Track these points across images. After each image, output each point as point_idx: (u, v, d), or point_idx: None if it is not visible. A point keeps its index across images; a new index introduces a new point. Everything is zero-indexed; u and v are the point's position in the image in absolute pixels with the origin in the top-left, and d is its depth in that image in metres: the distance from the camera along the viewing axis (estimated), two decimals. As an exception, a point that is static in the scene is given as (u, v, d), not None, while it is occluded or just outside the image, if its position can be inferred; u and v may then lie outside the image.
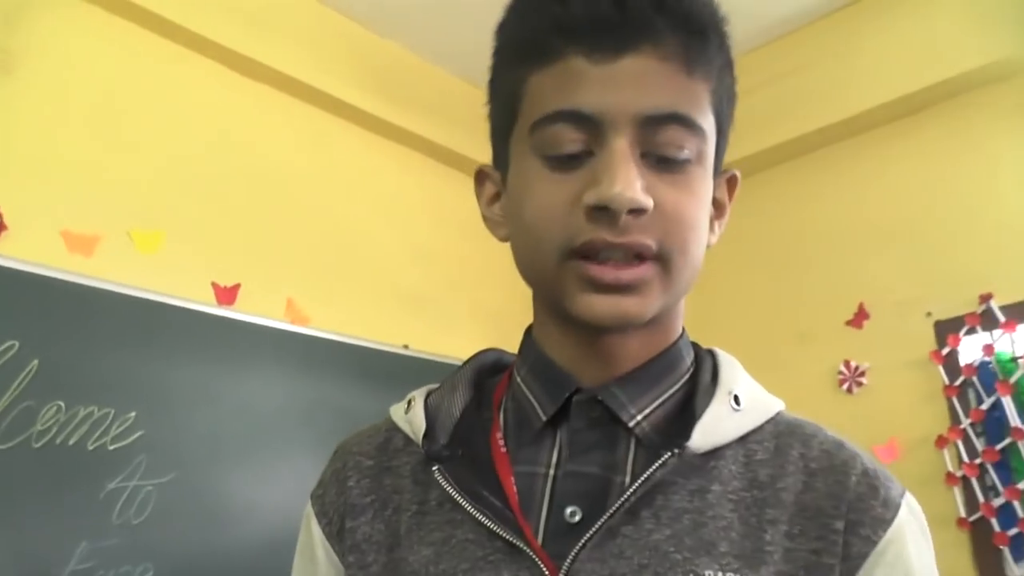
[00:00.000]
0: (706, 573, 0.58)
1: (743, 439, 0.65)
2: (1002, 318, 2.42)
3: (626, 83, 0.58)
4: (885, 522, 0.61)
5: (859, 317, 2.71)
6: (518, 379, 0.70)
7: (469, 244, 2.74)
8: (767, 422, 0.66)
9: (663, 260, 0.60)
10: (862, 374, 2.67)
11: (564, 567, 0.58)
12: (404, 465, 0.70)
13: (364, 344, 2.35)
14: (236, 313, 2.08)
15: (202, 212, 2.15)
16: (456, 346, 2.55)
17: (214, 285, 2.13)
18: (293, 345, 2.18)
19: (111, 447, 1.73)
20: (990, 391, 2.40)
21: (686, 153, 0.60)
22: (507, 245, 0.69)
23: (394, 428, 0.73)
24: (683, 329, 0.72)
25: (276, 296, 2.26)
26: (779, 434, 0.66)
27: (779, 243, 2.97)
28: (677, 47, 0.60)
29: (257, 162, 2.32)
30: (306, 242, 2.38)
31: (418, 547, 0.64)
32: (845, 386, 2.69)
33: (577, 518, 0.61)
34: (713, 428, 0.63)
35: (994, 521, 2.32)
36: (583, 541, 0.59)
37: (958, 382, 2.46)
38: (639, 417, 0.65)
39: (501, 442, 0.67)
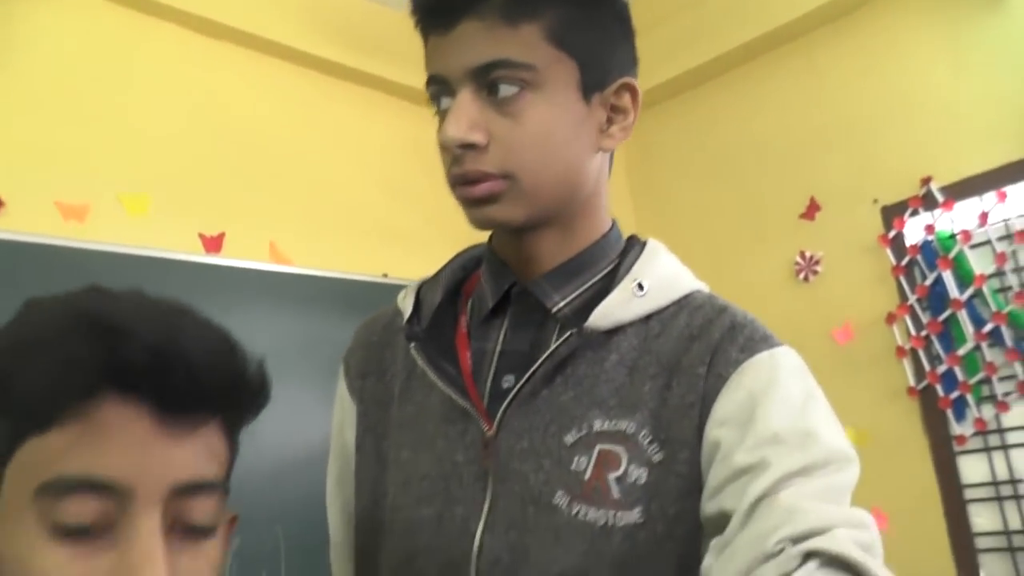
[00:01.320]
0: (595, 422, 0.74)
1: (647, 318, 0.79)
2: (941, 198, 2.57)
3: (457, 46, 0.74)
4: (738, 361, 0.73)
5: (811, 210, 2.87)
6: (482, 273, 0.87)
7: (437, 176, 2.91)
8: (671, 304, 0.80)
9: (509, 177, 0.75)
10: (816, 263, 2.84)
11: (495, 422, 0.77)
12: (400, 342, 0.87)
13: (345, 277, 2.54)
14: (223, 260, 2.27)
15: (183, 171, 2.32)
16: (432, 270, 2.74)
17: (200, 236, 2.32)
18: (279, 284, 2.37)
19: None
20: (932, 268, 2.57)
21: (514, 89, 0.74)
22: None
23: (397, 311, 0.90)
24: (611, 229, 0.85)
25: (259, 241, 2.44)
26: (679, 311, 0.79)
27: (732, 150, 3.11)
28: (494, 10, 0.73)
29: (230, 118, 2.47)
30: (284, 188, 2.55)
31: (405, 406, 0.84)
32: (801, 275, 2.87)
33: (508, 384, 0.79)
34: (611, 311, 0.77)
35: (939, 387, 2.53)
36: (507, 401, 0.77)
37: (904, 262, 2.63)
38: (561, 304, 0.80)
39: (464, 325, 0.85)
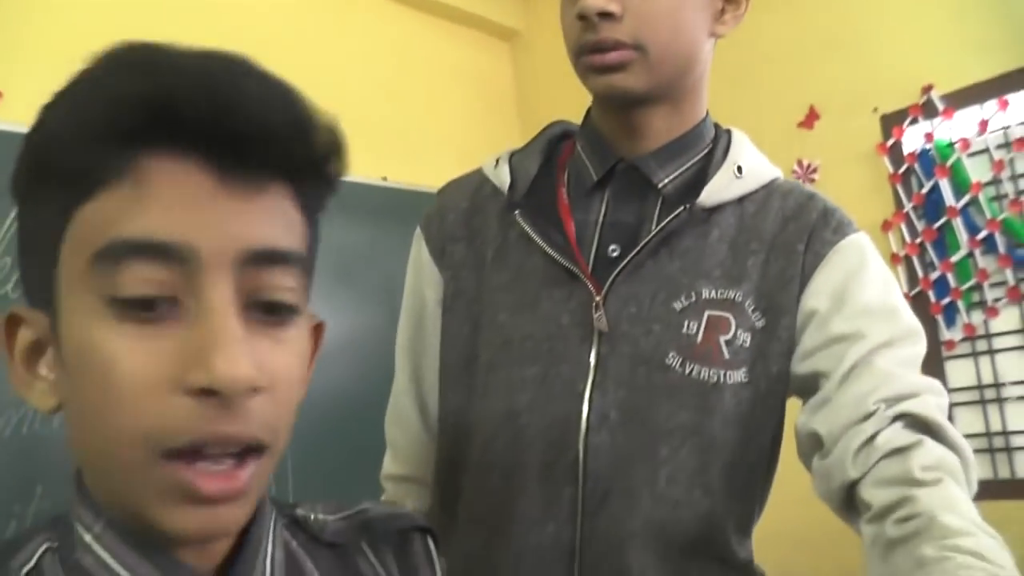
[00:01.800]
0: (703, 291, 0.83)
1: (742, 199, 0.88)
2: (941, 107, 2.57)
3: None
4: (832, 242, 0.84)
5: (810, 118, 2.86)
6: (578, 148, 0.93)
7: (437, 80, 2.85)
8: (762, 187, 0.89)
9: (639, 48, 0.80)
10: (814, 171, 2.85)
11: (604, 288, 0.83)
12: (491, 209, 0.92)
13: (345, 179, 2.51)
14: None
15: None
16: (430, 175, 2.72)
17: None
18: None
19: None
20: (930, 176, 2.60)
21: None
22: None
23: (485, 179, 0.94)
24: (707, 114, 0.93)
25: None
26: (770, 194, 0.89)
27: (730, 58, 3.06)
28: None
29: (235, 29, 2.39)
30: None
31: (500, 271, 0.89)
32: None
33: (616, 254, 0.85)
34: (718, 191, 0.85)
35: (931, 293, 2.58)
36: (618, 270, 0.83)
37: (902, 171, 2.65)
38: (666, 180, 0.88)
39: (564, 196, 0.90)
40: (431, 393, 0.94)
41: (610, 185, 0.89)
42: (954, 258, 2.54)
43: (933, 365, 2.59)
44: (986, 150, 2.51)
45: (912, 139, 2.66)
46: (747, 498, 0.85)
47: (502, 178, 0.91)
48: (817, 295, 0.81)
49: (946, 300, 2.55)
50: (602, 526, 0.80)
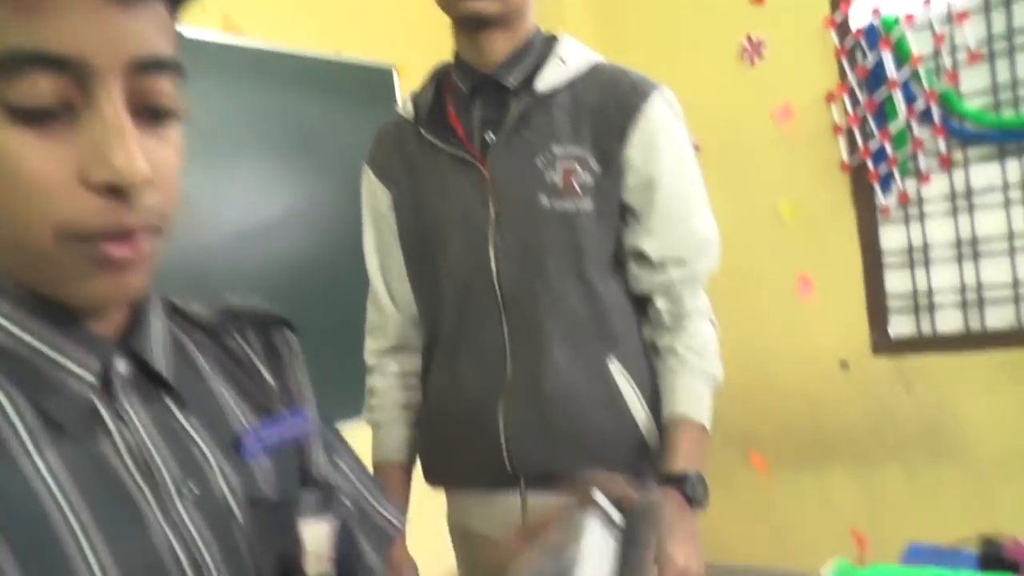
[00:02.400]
0: (555, 149, 1.15)
1: (573, 82, 1.17)
2: (888, -20, 2.62)
3: None
4: (638, 105, 1.14)
5: (761, -8, 2.90)
6: (453, 74, 1.23)
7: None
8: (588, 70, 1.18)
9: None
10: (762, 46, 2.91)
11: (489, 164, 1.16)
12: (409, 135, 1.25)
13: (300, 53, 2.51)
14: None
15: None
16: (383, 50, 2.74)
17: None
18: (233, 58, 2.34)
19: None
20: (874, 49, 2.68)
21: None
22: None
23: (401, 117, 1.27)
24: (537, 29, 1.21)
25: (212, 11, 2.37)
26: (593, 75, 1.18)
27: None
28: None
29: None
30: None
31: (424, 172, 1.23)
32: (746, 59, 2.94)
33: (491, 141, 1.17)
34: (549, 79, 1.16)
35: (869, 162, 2.71)
36: (492, 148, 1.17)
37: (848, 45, 2.73)
38: (514, 82, 1.17)
39: (452, 110, 1.22)
40: (398, 279, 1.28)
41: (479, 94, 1.19)
42: (892, 128, 2.66)
43: (869, 231, 2.75)
44: (929, 25, 2.59)
45: (859, 14, 2.72)
46: (610, 291, 1.18)
47: (409, 111, 1.24)
48: (633, 147, 1.14)
49: (883, 168, 2.69)
50: (519, 323, 1.16)
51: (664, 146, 1.15)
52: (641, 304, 1.20)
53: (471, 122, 1.20)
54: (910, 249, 2.68)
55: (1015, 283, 2.48)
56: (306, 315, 2.49)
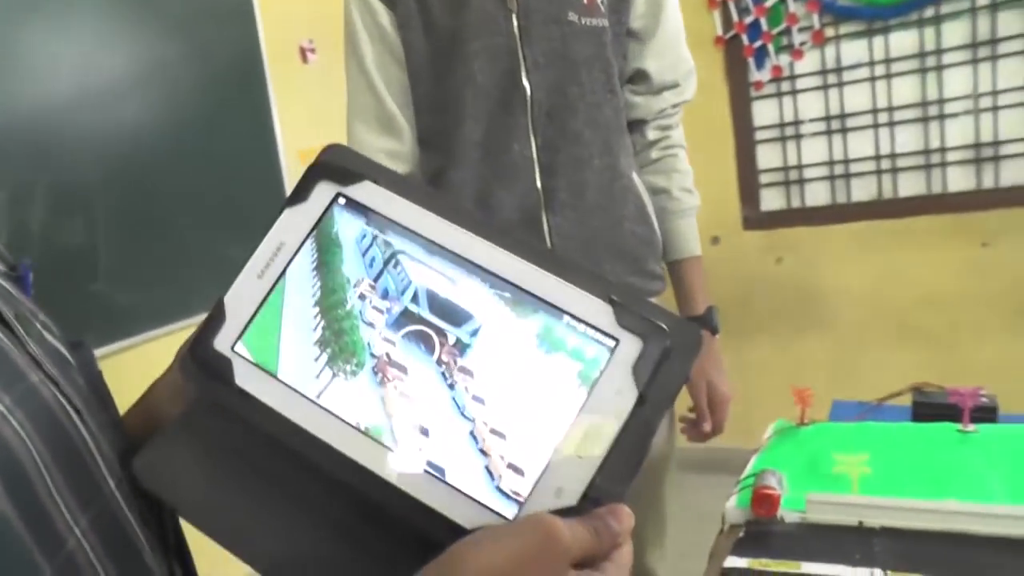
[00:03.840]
0: None
1: None
2: None
3: None
4: None
5: None
6: None
7: None
8: None
9: None
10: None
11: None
12: None
13: None
14: None
15: None
16: None
17: None
18: None
19: None
20: (751, -81, 2.63)
21: None
22: None
23: None
24: None
25: None
26: None
27: None
28: None
29: None
30: None
31: None
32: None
33: None
34: None
35: (744, 37, 2.71)
36: None
37: (725, -88, 2.66)
38: None
39: None
40: (403, 104, 1.23)
41: None
42: (767, 2, 2.65)
43: (742, 105, 2.78)
44: None
45: None
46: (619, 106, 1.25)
47: None
48: None
49: (758, 43, 2.69)
50: (555, 133, 1.17)
51: None
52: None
53: None
54: (782, 124, 2.73)
55: (877, 156, 2.59)
56: (155, 185, 2.26)
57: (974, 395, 1.00)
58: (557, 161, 1.17)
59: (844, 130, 2.63)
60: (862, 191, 2.64)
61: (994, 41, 2.37)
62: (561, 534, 0.32)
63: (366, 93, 1.23)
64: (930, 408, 1.10)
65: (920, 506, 0.81)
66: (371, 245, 0.39)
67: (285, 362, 0.38)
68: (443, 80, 1.19)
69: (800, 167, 2.72)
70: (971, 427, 1.00)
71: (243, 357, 0.39)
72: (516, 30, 1.16)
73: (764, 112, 2.77)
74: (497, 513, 0.34)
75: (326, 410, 0.37)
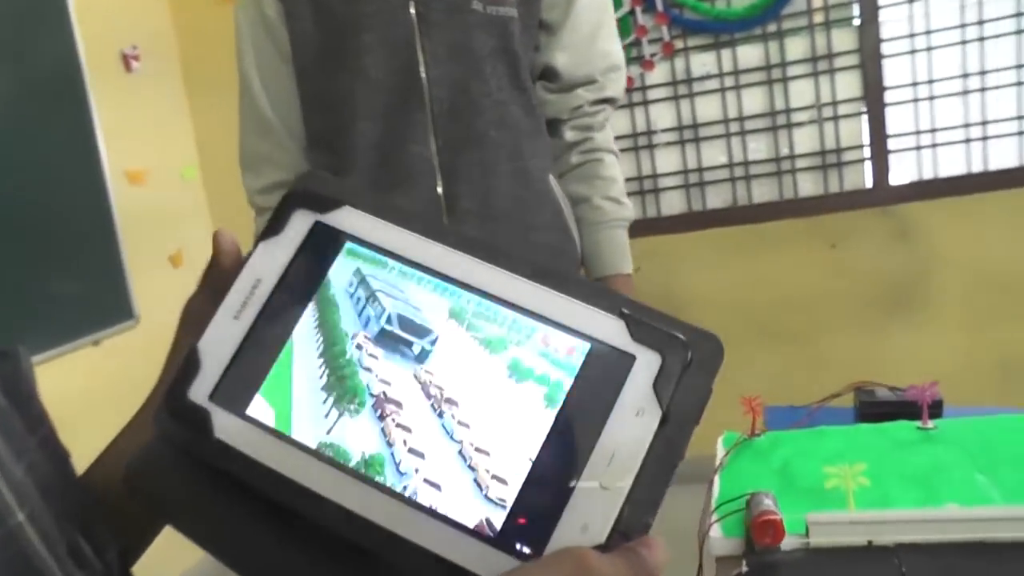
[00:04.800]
0: None
1: None
2: None
3: None
4: None
5: None
6: None
7: None
8: None
9: None
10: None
11: None
12: None
13: None
14: None
15: None
16: None
17: None
18: None
19: None
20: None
21: None
22: None
23: None
24: None
25: None
26: None
27: None
28: None
29: None
30: None
31: None
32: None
33: None
34: None
35: (596, 48, 2.71)
36: None
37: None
38: None
39: None
40: (285, 102, 1.13)
41: None
42: (616, 15, 2.67)
43: (597, 118, 2.78)
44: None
45: None
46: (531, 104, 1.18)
47: None
48: None
49: None
50: (457, 134, 1.09)
51: None
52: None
53: None
54: (635, 134, 2.76)
55: (731, 164, 2.66)
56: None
57: (931, 391, 0.99)
58: (460, 164, 1.10)
59: (697, 139, 2.69)
60: (717, 198, 2.71)
61: (831, 56, 2.50)
62: (598, 566, 0.30)
63: (245, 95, 1.16)
64: (878, 407, 1.08)
65: (937, 516, 0.77)
66: (356, 289, 0.40)
67: (298, 408, 0.38)
68: (334, 76, 1.10)
69: (655, 176, 2.75)
70: (930, 424, 0.99)
71: (221, 408, 0.38)
72: (414, 19, 1.07)
73: (617, 123, 2.77)
74: (489, 527, 0.34)
75: (316, 456, 0.37)
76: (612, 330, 0.36)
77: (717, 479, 1.00)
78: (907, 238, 2.47)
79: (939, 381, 1.04)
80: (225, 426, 0.37)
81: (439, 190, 1.10)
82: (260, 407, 0.38)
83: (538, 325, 0.37)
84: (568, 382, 0.35)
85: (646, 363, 0.35)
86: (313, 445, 0.37)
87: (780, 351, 2.59)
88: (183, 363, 0.39)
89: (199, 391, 0.38)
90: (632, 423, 0.34)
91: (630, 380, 0.34)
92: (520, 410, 0.36)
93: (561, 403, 0.35)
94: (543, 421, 0.35)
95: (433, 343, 0.38)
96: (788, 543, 0.82)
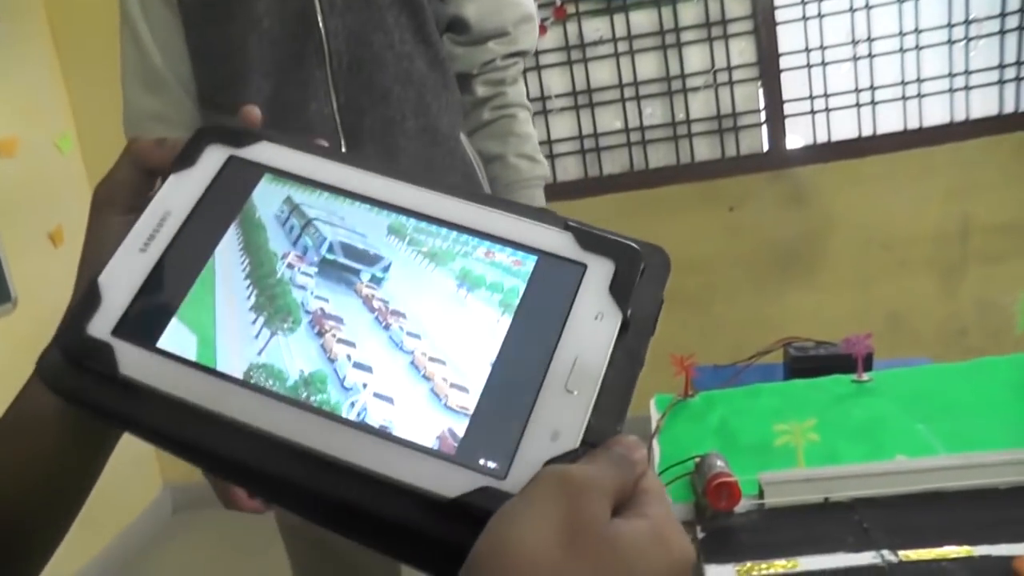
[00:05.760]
0: None
1: None
2: None
3: None
4: None
5: None
6: None
7: None
8: None
9: None
10: None
11: None
12: None
13: None
14: None
15: None
16: None
17: None
18: None
19: None
20: None
21: None
22: None
23: None
24: None
25: None
26: None
27: None
28: None
29: None
30: None
31: None
32: None
33: None
34: None
35: (487, 11, 2.63)
36: None
37: None
38: None
39: None
40: (174, 54, 1.02)
41: None
42: (507, -24, 2.60)
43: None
44: None
45: None
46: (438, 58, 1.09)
47: None
48: None
49: (502, 18, 2.63)
50: (359, 90, 1.00)
51: None
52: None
53: None
54: (529, 100, 2.69)
55: (627, 129, 2.64)
56: None
57: (865, 343, 0.98)
58: (363, 123, 1.02)
59: (591, 104, 2.65)
60: (613, 164, 2.69)
61: (724, 22, 2.51)
62: (583, 479, 0.28)
63: (129, 43, 1.04)
64: (809, 362, 1.07)
65: (889, 469, 0.75)
66: (288, 217, 0.38)
67: (222, 331, 0.35)
68: (222, 25, 0.99)
69: (550, 142, 2.70)
70: (865, 376, 0.98)
71: (127, 342, 0.34)
72: None
73: (512, 88, 2.72)
74: (452, 436, 0.31)
75: (245, 384, 0.33)
76: (559, 242, 0.35)
77: (656, 443, 0.96)
78: (801, 200, 2.53)
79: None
80: (132, 361, 0.33)
81: (342, 150, 1.02)
82: (177, 334, 0.34)
83: (482, 241, 0.36)
84: (521, 287, 0.34)
85: (599, 268, 0.34)
86: (244, 367, 0.34)
87: (678, 313, 2.60)
88: (80, 299, 0.35)
89: (99, 326, 0.34)
90: (592, 327, 0.33)
91: (584, 285, 0.34)
92: (474, 318, 0.35)
93: (516, 308, 0.34)
94: (499, 327, 0.34)
95: (375, 263, 0.36)
96: (742, 505, 0.78)
